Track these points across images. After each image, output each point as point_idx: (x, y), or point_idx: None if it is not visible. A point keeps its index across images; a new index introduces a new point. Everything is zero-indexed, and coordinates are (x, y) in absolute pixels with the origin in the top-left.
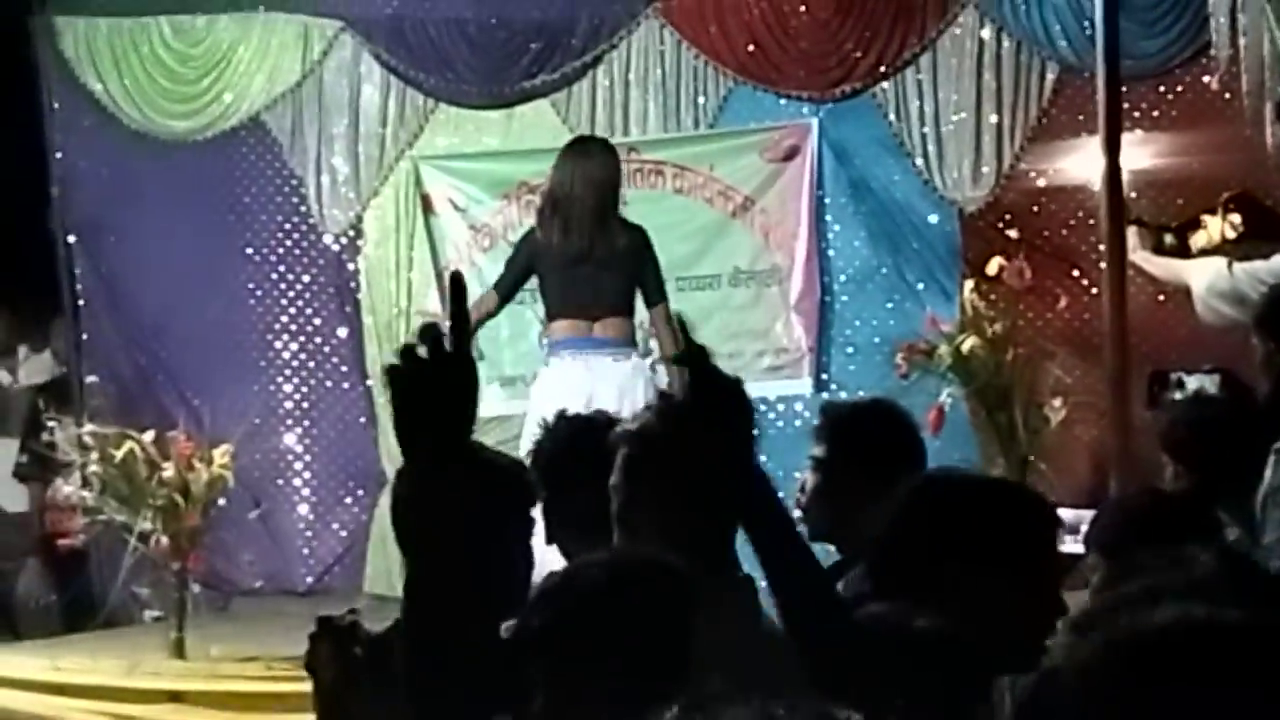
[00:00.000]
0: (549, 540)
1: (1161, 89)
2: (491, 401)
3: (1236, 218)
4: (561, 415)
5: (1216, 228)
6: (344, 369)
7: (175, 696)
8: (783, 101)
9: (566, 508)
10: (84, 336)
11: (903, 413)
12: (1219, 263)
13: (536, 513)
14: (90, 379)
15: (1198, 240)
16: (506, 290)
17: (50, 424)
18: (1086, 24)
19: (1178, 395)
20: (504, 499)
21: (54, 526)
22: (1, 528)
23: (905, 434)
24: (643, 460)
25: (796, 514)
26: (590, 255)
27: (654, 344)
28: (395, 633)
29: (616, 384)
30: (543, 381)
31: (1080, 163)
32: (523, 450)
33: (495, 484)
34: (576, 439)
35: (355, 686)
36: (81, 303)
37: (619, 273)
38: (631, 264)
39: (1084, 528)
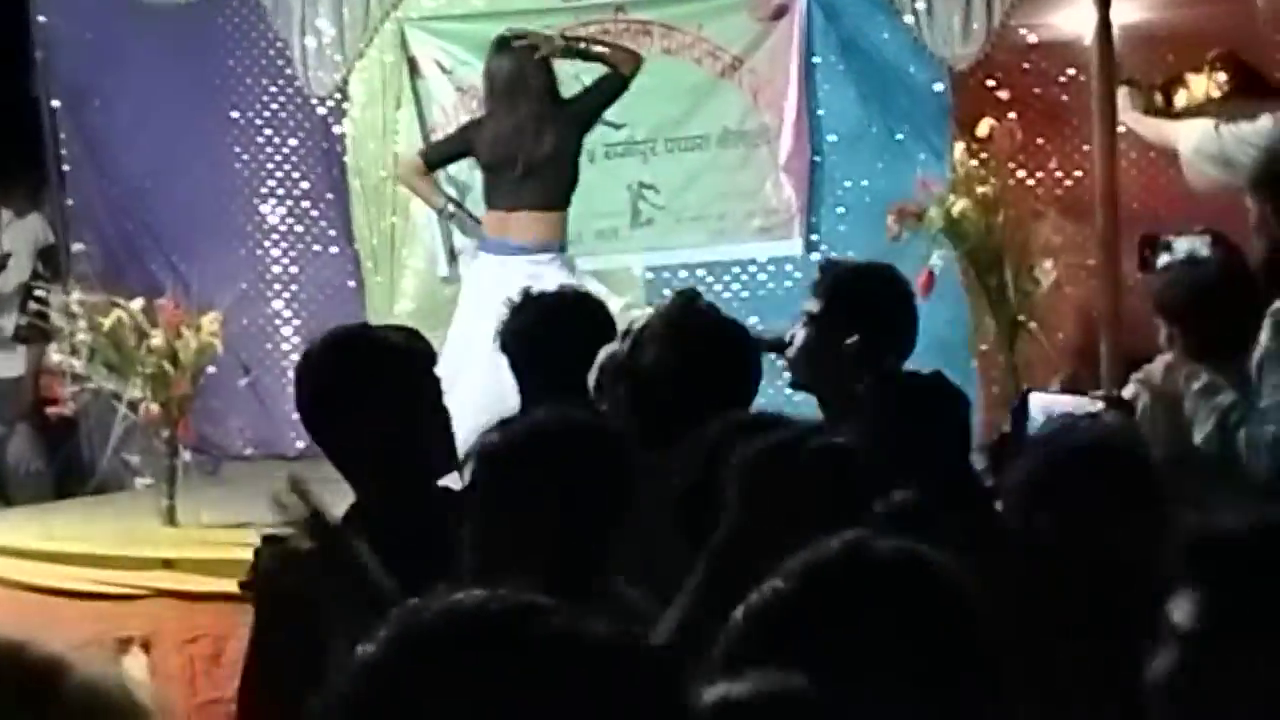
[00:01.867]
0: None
1: None
2: None
3: (1222, 76)
4: (527, 293)
5: (1201, 86)
6: (331, 233)
7: (167, 563)
8: None
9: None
10: (69, 202)
11: (900, 279)
12: (1206, 124)
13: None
14: (76, 246)
15: (1181, 99)
16: (434, 160)
17: (39, 291)
18: None
19: (1167, 258)
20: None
21: (47, 392)
22: None
23: (901, 300)
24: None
25: (782, 363)
26: (529, 141)
27: None
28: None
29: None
30: (468, 284)
31: (1071, 18)
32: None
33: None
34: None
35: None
36: (66, 168)
37: (553, 171)
38: (564, 155)
39: None
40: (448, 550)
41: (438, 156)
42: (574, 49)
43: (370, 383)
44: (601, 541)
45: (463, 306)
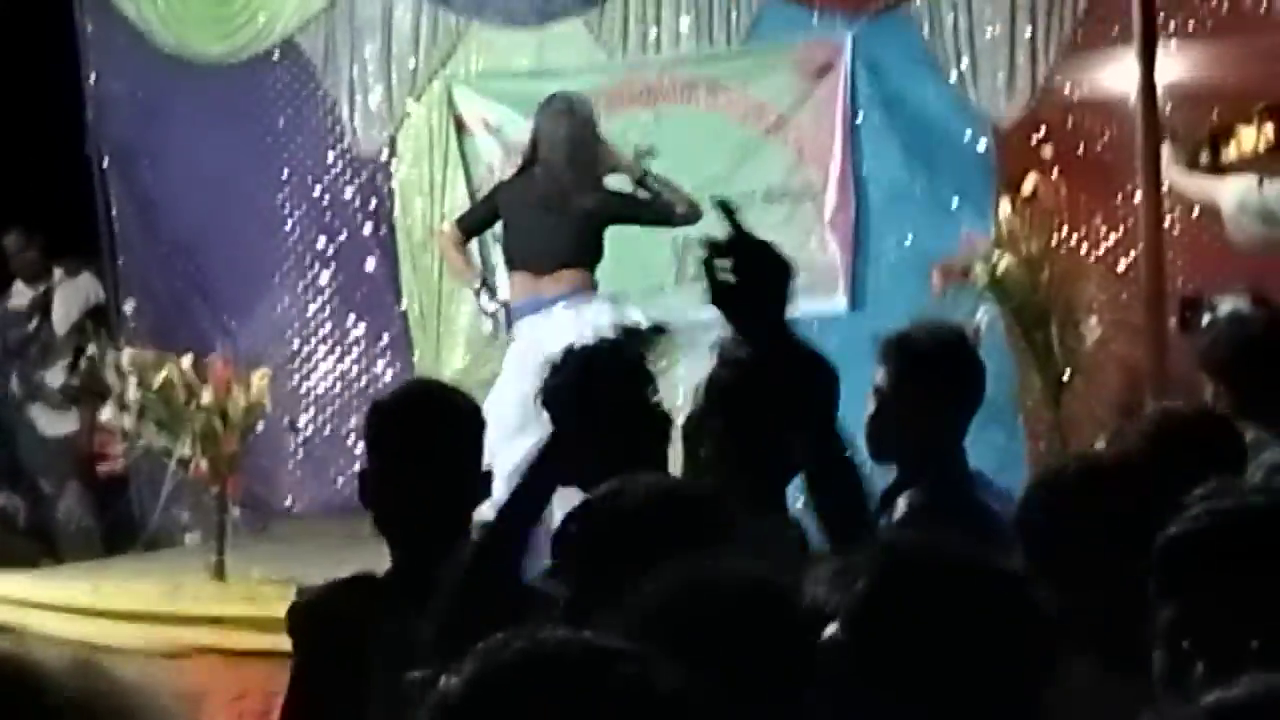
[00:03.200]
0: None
1: (1196, 1)
2: None
3: (1270, 128)
4: (570, 350)
5: (1250, 138)
6: (379, 291)
7: (216, 620)
8: (815, 17)
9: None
10: (120, 261)
11: (962, 337)
12: (1250, 180)
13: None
14: (127, 304)
15: (1230, 151)
16: (469, 226)
17: (90, 349)
18: None
19: (1209, 316)
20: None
21: (99, 449)
22: (43, 452)
23: (965, 358)
24: (721, 399)
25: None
26: (553, 204)
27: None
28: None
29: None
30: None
31: (1115, 76)
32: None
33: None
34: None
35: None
36: (118, 227)
37: (580, 228)
38: (593, 219)
39: None
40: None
41: (473, 223)
42: (646, 184)
43: (441, 439)
44: None
45: (508, 369)
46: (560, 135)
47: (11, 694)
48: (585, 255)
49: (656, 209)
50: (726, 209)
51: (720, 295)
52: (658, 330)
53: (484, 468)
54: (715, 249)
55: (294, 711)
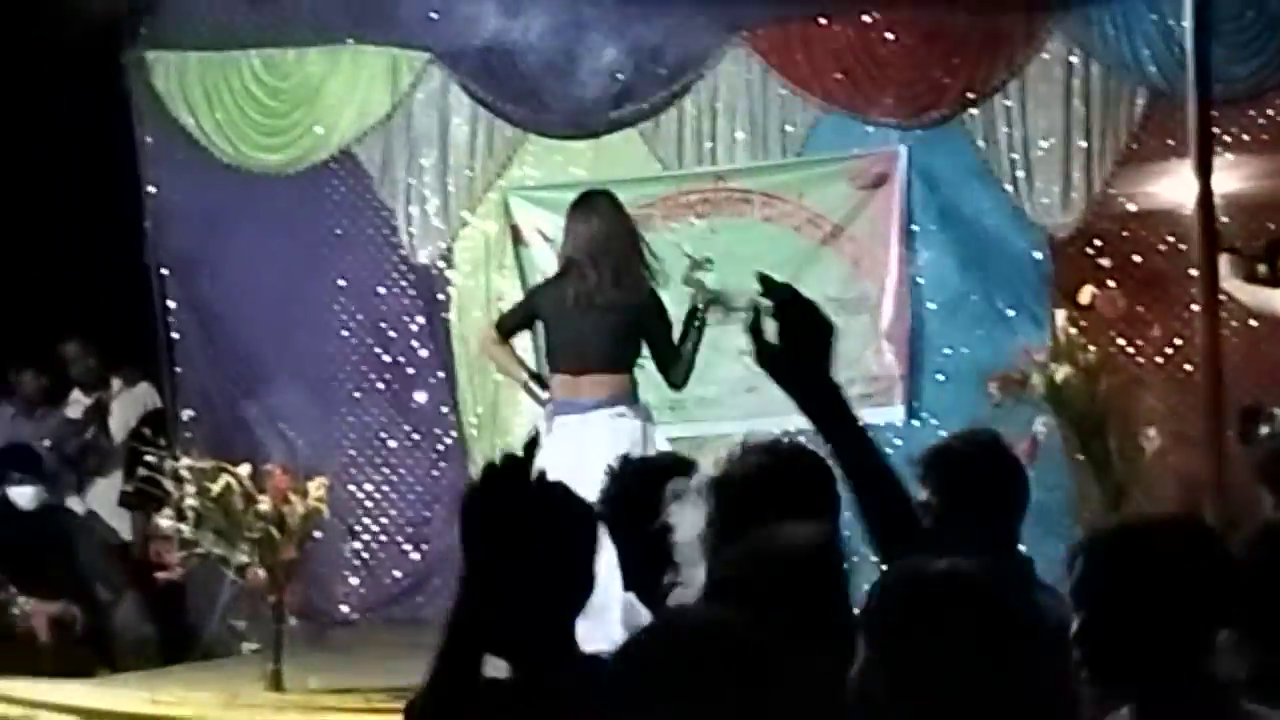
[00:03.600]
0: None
1: (1252, 112)
2: None
3: None
4: (626, 458)
5: None
6: (436, 398)
7: None
8: (870, 129)
9: (639, 551)
10: (178, 370)
11: (1002, 446)
12: None
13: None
14: (185, 412)
15: None
16: (507, 328)
17: (148, 457)
18: (1176, 49)
19: (1268, 428)
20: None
21: (156, 557)
22: (101, 560)
23: (1007, 470)
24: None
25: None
26: (593, 304)
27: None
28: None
29: (615, 442)
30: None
31: (1171, 187)
32: None
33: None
34: (641, 483)
35: None
36: (176, 336)
37: (619, 331)
38: (634, 324)
39: None
40: None
41: (510, 323)
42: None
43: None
44: None
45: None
46: (586, 233)
47: None
48: (621, 358)
49: (695, 335)
50: (766, 280)
51: (766, 357)
52: None
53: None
54: (759, 311)
55: None
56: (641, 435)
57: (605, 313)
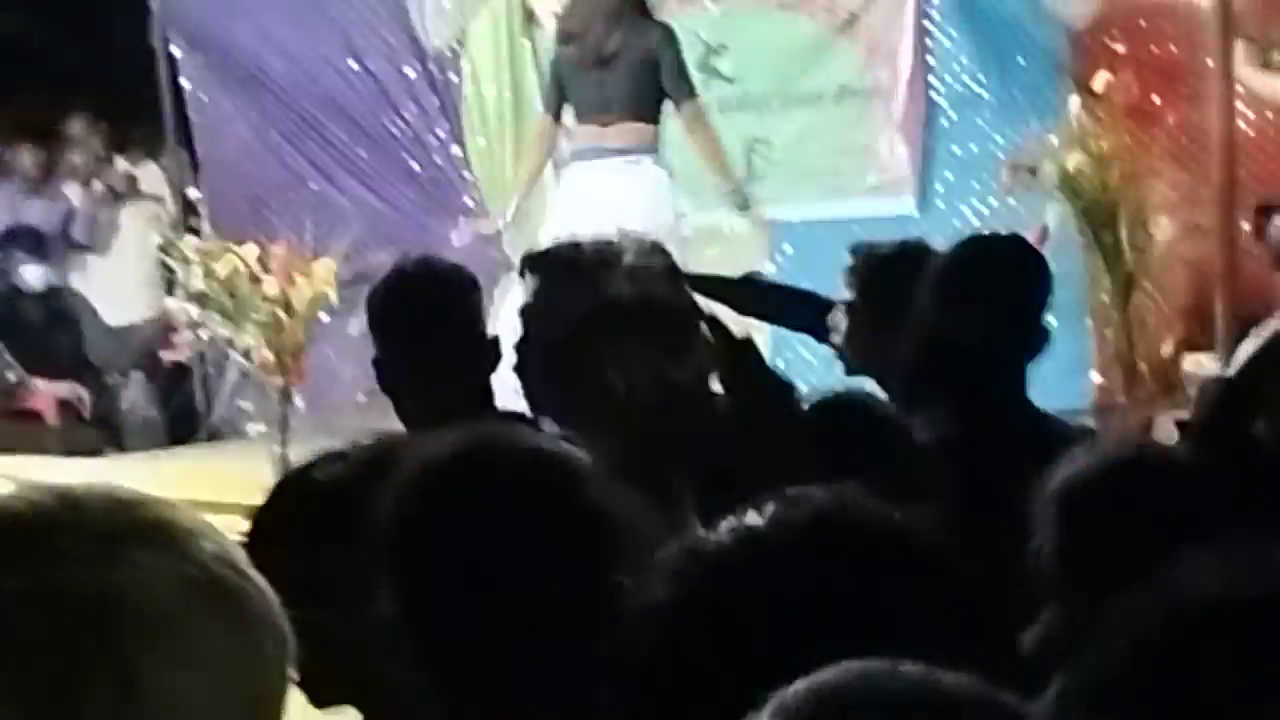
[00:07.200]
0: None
1: None
2: None
3: None
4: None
5: None
6: (449, 187)
7: None
8: None
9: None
10: (186, 153)
11: (927, 250)
12: None
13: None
14: (193, 193)
15: None
16: (549, 106)
17: (156, 237)
18: None
19: None
20: None
21: (164, 339)
22: (106, 341)
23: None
24: None
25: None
26: (601, 58)
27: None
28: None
29: (629, 190)
30: (560, 190)
31: None
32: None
33: None
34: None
35: None
36: (192, 117)
37: (633, 75)
38: (647, 64)
39: None
40: None
41: (549, 99)
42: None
43: (438, 312)
44: None
45: (555, 217)
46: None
47: None
48: (644, 103)
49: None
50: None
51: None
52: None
53: (489, 335)
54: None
55: None
56: (664, 188)
57: (616, 60)
